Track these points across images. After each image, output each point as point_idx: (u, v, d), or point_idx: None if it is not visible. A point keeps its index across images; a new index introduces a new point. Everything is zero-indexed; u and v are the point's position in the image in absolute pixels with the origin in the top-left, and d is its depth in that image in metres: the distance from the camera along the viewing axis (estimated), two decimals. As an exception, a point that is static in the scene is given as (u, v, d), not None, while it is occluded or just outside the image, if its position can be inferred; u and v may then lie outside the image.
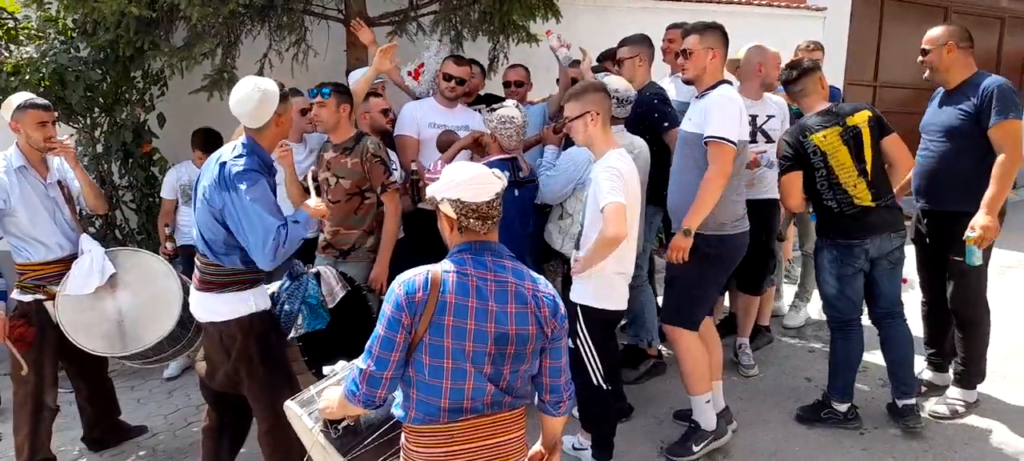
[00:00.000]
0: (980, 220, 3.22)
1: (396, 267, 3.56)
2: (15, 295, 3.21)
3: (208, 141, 4.34)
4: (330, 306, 2.94)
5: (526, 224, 3.69)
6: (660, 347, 4.39)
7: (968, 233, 3.24)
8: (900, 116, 8.88)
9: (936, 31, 3.48)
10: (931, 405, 3.70)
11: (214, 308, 2.64)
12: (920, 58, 3.48)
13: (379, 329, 1.83)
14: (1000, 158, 3.22)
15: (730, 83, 3.24)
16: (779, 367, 4.40)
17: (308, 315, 2.84)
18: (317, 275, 2.99)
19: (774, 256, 4.44)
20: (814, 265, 3.73)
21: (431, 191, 1.93)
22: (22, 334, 3.14)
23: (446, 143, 4.01)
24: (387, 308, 1.82)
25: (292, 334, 2.77)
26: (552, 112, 4.40)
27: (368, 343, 1.85)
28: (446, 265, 1.87)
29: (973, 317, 3.58)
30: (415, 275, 1.83)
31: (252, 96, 2.53)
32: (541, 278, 1.97)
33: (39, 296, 3.17)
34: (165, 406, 4.23)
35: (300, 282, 2.87)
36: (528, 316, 1.86)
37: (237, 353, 2.66)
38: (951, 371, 3.81)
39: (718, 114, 3.00)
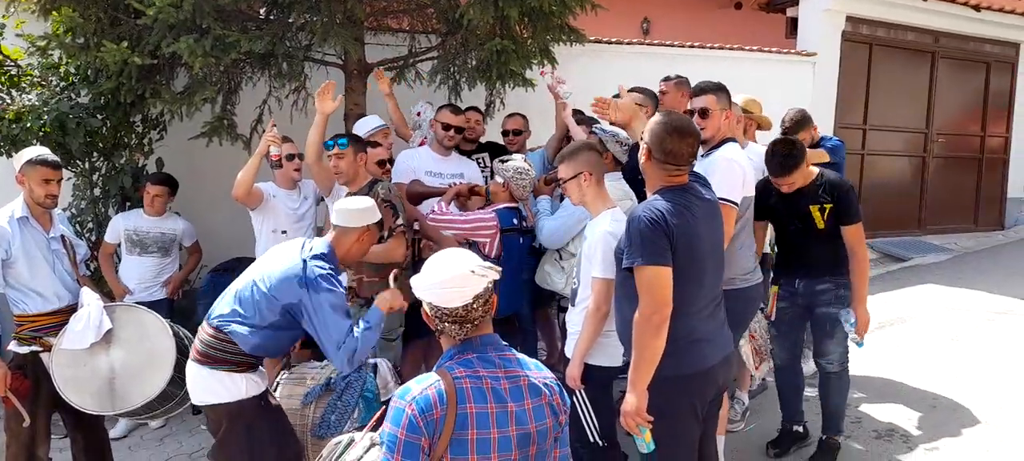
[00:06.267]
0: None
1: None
2: (12, 346, 3.19)
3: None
4: (383, 399, 2.88)
5: (524, 270, 3.78)
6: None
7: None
8: (888, 159, 9.04)
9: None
10: None
11: (207, 386, 2.55)
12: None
13: (389, 457, 1.63)
14: None
15: (735, 141, 3.23)
16: (777, 415, 4.38)
17: (364, 409, 2.80)
18: (375, 368, 2.98)
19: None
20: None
21: (413, 285, 1.83)
22: (17, 387, 3.12)
23: (415, 195, 4.04)
24: (399, 432, 1.62)
25: (347, 427, 2.69)
26: (551, 154, 4.46)
27: None
28: (455, 370, 1.71)
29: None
30: (426, 388, 1.65)
31: (366, 202, 2.73)
32: (539, 363, 1.90)
33: (36, 348, 3.16)
34: (157, 454, 4.18)
35: (359, 374, 2.82)
36: (544, 408, 1.76)
37: (221, 438, 2.58)
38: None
39: (722, 175, 2.94)
